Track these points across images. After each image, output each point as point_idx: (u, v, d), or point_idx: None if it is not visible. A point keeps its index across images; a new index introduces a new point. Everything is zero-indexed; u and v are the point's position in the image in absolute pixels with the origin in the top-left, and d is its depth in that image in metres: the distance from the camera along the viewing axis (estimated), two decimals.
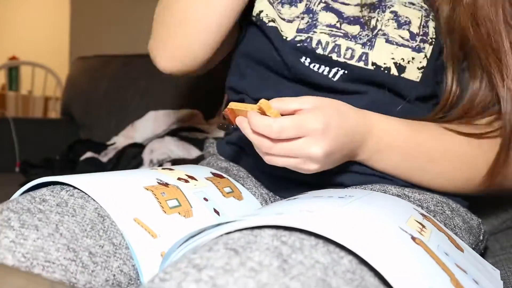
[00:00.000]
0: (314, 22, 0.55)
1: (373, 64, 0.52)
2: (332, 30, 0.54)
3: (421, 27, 0.52)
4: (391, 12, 0.53)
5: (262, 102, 0.42)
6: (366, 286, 0.28)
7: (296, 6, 0.57)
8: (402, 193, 0.50)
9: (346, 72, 0.52)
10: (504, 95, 0.48)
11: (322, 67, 0.53)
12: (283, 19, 0.57)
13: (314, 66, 0.54)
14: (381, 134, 0.47)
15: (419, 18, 0.53)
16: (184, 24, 0.57)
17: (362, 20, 0.54)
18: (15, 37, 4.25)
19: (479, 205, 0.70)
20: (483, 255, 0.62)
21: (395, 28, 0.52)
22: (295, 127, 0.41)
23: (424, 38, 0.52)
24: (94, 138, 1.47)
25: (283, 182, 0.58)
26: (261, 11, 0.58)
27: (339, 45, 0.53)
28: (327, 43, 0.53)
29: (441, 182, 0.51)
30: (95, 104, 1.59)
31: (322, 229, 0.29)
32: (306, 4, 0.56)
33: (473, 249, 0.51)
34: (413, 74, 0.52)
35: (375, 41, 0.52)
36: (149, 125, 1.32)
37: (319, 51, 0.53)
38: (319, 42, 0.53)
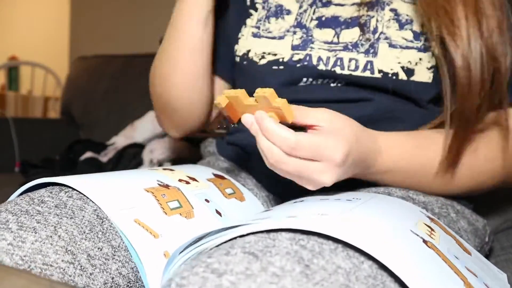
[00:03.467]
0: (310, 38, 0.53)
1: (379, 71, 0.50)
2: (331, 46, 0.52)
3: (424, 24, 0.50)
4: (391, 10, 0.51)
5: (267, 91, 0.38)
6: None
7: (283, 19, 0.55)
8: (407, 196, 0.49)
9: (352, 81, 0.51)
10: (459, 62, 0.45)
11: (327, 79, 0.52)
12: (274, 37, 0.55)
13: (317, 82, 0.52)
14: (386, 159, 0.45)
15: (421, 14, 0.49)
16: (175, 113, 0.61)
17: (360, 21, 0.52)
18: (15, 37, 4.24)
19: (479, 205, 0.70)
20: (487, 256, 0.62)
21: (397, 30, 0.50)
22: (312, 149, 0.37)
23: (429, 35, 0.49)
24: (94, 138, 1.46)
25: (285, 185, 0.57)
26: (248, 51, 0.56)
27: (341, 58, 0.51)
28: (328, 58, 0.51)
29: (448, 191, 0.50)
30: (95, 104, 1.58)
31: (341, 233, 0.29)
32: (296, 18, 0.54)
33: (479, 251, 0.51)
34: (423, 75, 0.50)
35: (378, 47, 0.50)
36: (149, 125, 1.32)
37: (321, 67, 0.51)
38: (319, 58, 0.52)
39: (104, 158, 1.27)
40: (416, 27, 0.50)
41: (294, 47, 0.53)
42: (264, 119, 0.38)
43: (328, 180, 0.39)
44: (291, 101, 0.40)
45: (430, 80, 0.50)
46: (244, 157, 0.61)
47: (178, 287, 0.25)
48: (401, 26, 0.50)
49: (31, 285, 0.27)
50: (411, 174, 0.47)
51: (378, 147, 0.44)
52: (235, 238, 0.31)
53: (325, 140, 0.38)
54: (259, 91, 0.38)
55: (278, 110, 0.38)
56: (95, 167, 1.19)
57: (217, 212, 0.47)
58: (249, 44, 0.57)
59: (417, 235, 0.34)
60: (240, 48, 0.58)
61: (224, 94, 0.41)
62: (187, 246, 0.34)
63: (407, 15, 0.51)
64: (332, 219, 0.32)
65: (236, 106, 0.42)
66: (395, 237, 0.31)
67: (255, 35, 0.57)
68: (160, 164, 1.13)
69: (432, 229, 0.38)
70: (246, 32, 0.58)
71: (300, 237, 0.30)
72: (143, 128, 1.35)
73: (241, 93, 0.40)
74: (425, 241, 0.34)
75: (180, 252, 0.34)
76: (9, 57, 3.32)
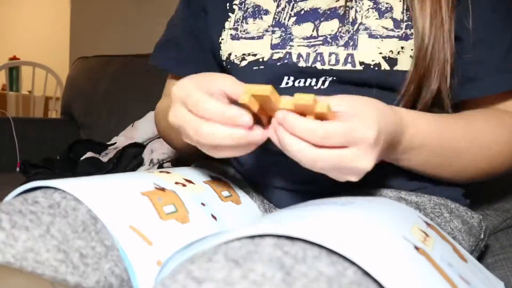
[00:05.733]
0: (289, 35, 0.52)
1: (361, 63, 0.49)
2: (310, 42, 0.51)
3: (404, 11, 0.49)
4: None
5: (309, 99, 0.35)
6: None
7: (261, 19, 0.55)
8: (399, 197, 0.48)
9: (335, 78, 0.50)
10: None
11: (309, 79, 0.51)
12: (252, 38, 0.54)
13: (299, 82, 0.52)
14: (414, 133, 0.44)
15: (400, 1, 0.49)
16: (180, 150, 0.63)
17: (339, 12, 0.51)
18: (15, 37, 4.25)
19: (479, 204, 0.70)
20: (484, 253, 0.62)
21: (376, 19, 0.49)
22: (343, 134, 0.35)
23: (410, 22, 0.48)
24: (94, 138, 1.47)
25: (278, 192, 0.56)
26: (230, 54, 0.56)
27: (321, 53, 0.50)
28: (308, 54, 0.51)
29: (468, 172, 0.49)
30: (95, 104, 1.59)
31: (325, 239, 0.28)
32: (275, 18, 0.54)
33: (474, 249, 0.51)
34: (406, 64, 0.49)
35: (357, 39, 0.49)
36: (149, 125, 1.32)
37: (302, 64, 0.51)
38: (299, 55, 0.51)
39: (104, 158, 1.27)
40: (396, 15, 0.49)
41: (273, 46, 0.53)
42: (286, 117, 0.36)
43: (368, 164, 0.37)
44: None
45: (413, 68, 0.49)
46: (239, 163, 0.61)
47: None
48: (381, 15, 0.49)
49: (31, 285, 0.27)
50: (437, 153, 0.46)
51: (405, 122, 0.43)
52: (220, 245, 0.31)
53: (352, 123, 0.36)
54: (299, 99, 0.35)
55: (320, 114, 0.36)
56: (96, 167, 1.19)
57: (213, 216, 0.47)
58: (230, 47, 0.56)
59: (409, 241, 0.33)
60: (223, 53, 0.57)
61: (250, 92, 0.37)
62: (178, 251, 0.34)
63: (387, 3, 0.50)
64: (318, 224, 0.31)
65: (265, 106, 0.38)
66: (384, 243, 0.31)
67: (233, 37, 0.56)
68: (160, 164, 1.13)
69: (427, 235, 0.37)
70: (225, 36, 0.57)
71: (284, 242, 0.29)
72: (143, 128, 1.35)
73: (270, 91, 0.36)
74: (416, 248, 0.33)
75: (171, 259, 0.34)
76: (10, 57, 3.33)
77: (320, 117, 0.36)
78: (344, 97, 0.39)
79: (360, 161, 0.37)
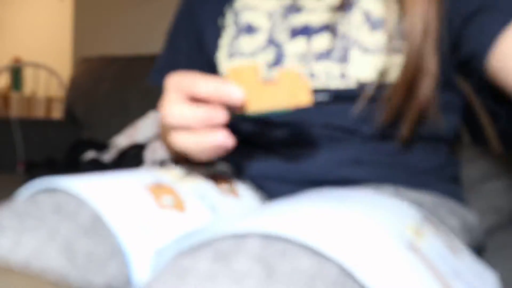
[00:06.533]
0: (282, 52, 0.53)
1: (354, 78, 0.49)
2: (303, 58, 0.51)
3: (396, 24, 0.49)
4: (362, 12, 0.50)
5: (291, 72, 0.35)
6: None
7: (253, 37, 0.55)
8: (397, 193, 0.49)
9: (329, 94, 0.50)
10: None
11: None
12: (246, 55, 0.55)
13: None
14: None
15: (394, 11, 0.49)
16: None
17: (332, 26, 0.51)
18: (18, 38, 4.26)
19: (476, 204, 0.71)
20: (481, 252, 0.62)
21: (368, 32, 0.49)
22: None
23: (401, 35, 0.48)
24: (96, 138, 1.47)
25: (275, 183, 0.56)
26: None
27: (313, 73, 0.51)
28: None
29: None
30: (97, 104, 1.59)
31: (307, 237, 0.29)
32: (268, 34, 0.54)
33: (470, 247, 0.51)
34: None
35: (350, 54, 0.49)
36: (151, 125, 1.32)
37: None
38: None
39: (106, 158, 1.27)
40: (388, 27, 0.49)
41: (267, 65, 0.54)
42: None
43: None
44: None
45: None
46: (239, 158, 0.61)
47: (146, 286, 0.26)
48: (373, 28, 0.49)
49: (31, 286, 0.27)
50: None
51: None
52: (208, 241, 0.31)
53: None
54: (283, 73, 0.34)
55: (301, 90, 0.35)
56: (98, 167, 1.20)
57: (211, 207, 0.47)
58: (226, 65, 0.57)
59: (400, 237, 0.34)
60: (221, 70, 0.58)
61: (233, 68, 0.36)
62: (173, 243, 0.34)
63: (379, 16, 0.50)
64: (304, 221, 0.31)
65: (245, 86, 0.37)
66: (371, 240, 0.31)
67: (230, 55, 0.57)
68: (160, 164, 1.13)
69: (419, 231, 0.38)
70: (221, 55, 0.58)
71: (269, 239, 0.30)
72: (145, 128, 1.35)
73: (253, 69, 0.35)
74: (408, 244, 0.33)
75: (166, 249, 0.35)
76: (13, 58, 3.34)
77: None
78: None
79: None
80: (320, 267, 0.28)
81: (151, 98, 1.47)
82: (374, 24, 0.50)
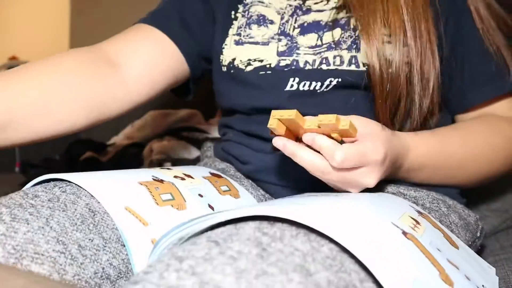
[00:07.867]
0: (295, 44, 0.55)
1: (364, 65, 0.51)
2: (315, 50, 0.54)
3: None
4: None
5: (332, 118, 0.39)
6: (345, 271, 0.29)
7: (267, 27, 0.57)
8: (397, 191, 0.50)
9: (339, 80, 0.52)
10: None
11: (314, 83, 0.53)
12: (257, 43, 0.56)
13: (304, 85, 0.53)
14: (415, 155, 0.48)
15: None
16: None
17: (341, 22, 0.53)
18: (15, 37, 4.25)
19: (478, 205, 0.71)
20: (481, 252, 0.62)
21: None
22: (358, 158, 0.40)
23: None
24: (94, 138, 1.47)
25: (279, 189, 0.57)
26: (234, 59, 0.58)
27: (326, 57, 0.53)
28: (314, 60, 0.53)
29: (471, 180, 0.53)
30: None
31: (300, 217, 0.30)
32: (280, 27, 0.56)
33: (470, 245, 0.52)
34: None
35: (359, 43, 0.52)
36: (149, 125, 1.32)
37: (308, 67, 0.53)
38: (306, 62, 0.53)
39: (104, 158, 1.27)
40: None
41: (280, 53, 0.55)
42: (315, 139, 0.41)
43: (373, 181, 0.42)
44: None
45: None
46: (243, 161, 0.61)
47: (144, 274, 0.27)
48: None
49: (30, 284, 0.27)
50: (440, 169, 0.50)
51: (406, 146, 0.47)
52: (206, 231, 0.33)
53: (364, 145, 0.41)
54: (323, 119, 0.39)
55: (343, 131, 0.40)
56: (95, 167, 1.19)
57: (210, 206, 0.48)
58: (234, 52, 0.58)
59: (397, 227, 0.35)
60: (225, 58, 0.59)
61: (276, 117, 0.41)
62: (170, 231, 0.35)
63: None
64: (299, 207, 0.33)
65: (291, 128, 0.42)
66: (365, 224, 0.32)
67: (237, 43, 0.58)
68: (160, 164, 1.13)
69: (417, 222, 0.39)
70: (229, 41, 0.59)
71: (265, 225, 0.31)
72: (143, 128, 1.35)
73: (295, 115, 0.40)
74: (404, 233, 0.34)
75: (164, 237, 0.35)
76: (9, 57, 3.33)
77: (343, 133, 0.40)
78: (358, 118, 0.43)
79: (366, 179, 0.42)
80: (313, 246, 0.30)
81: None
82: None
